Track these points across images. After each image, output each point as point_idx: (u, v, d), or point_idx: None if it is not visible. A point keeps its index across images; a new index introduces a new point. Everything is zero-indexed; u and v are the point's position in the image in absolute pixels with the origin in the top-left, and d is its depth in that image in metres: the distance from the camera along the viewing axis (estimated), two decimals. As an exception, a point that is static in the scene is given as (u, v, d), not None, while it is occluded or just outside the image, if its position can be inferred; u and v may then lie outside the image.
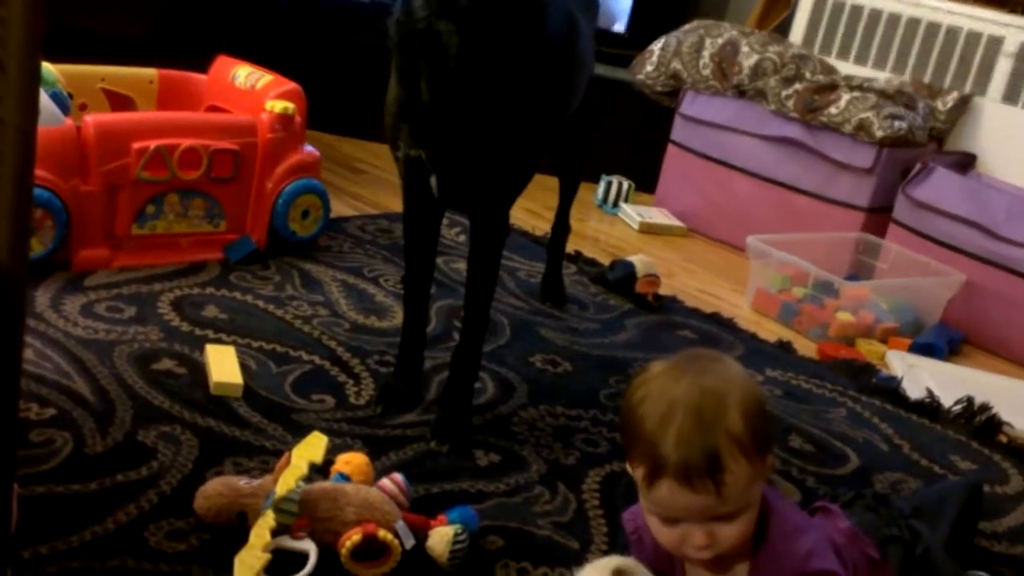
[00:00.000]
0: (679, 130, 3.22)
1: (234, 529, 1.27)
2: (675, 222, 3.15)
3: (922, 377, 2.22)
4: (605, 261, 2.58)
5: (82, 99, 2.30)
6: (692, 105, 3.16)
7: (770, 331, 2.41)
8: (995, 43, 2.87)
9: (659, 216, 3.16)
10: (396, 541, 1.27)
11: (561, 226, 2.33)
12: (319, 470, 1.34)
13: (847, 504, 1.38)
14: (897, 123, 2.73)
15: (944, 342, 2.45)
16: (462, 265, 2.42)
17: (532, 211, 2.95)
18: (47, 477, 1.34)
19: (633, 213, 3.14)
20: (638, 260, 2.45)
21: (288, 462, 1.30)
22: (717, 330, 2.32)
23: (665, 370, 1.06)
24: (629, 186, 3.26)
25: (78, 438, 1.44)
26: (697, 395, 1.01)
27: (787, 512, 1.09)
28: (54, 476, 1.34)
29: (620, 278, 2.43)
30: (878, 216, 2.81)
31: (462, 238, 2.62)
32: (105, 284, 1.97)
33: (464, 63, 1.39)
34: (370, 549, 1.26)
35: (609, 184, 3.25)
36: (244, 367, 1.71)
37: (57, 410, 1.50)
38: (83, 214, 1.98)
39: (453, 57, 1.38)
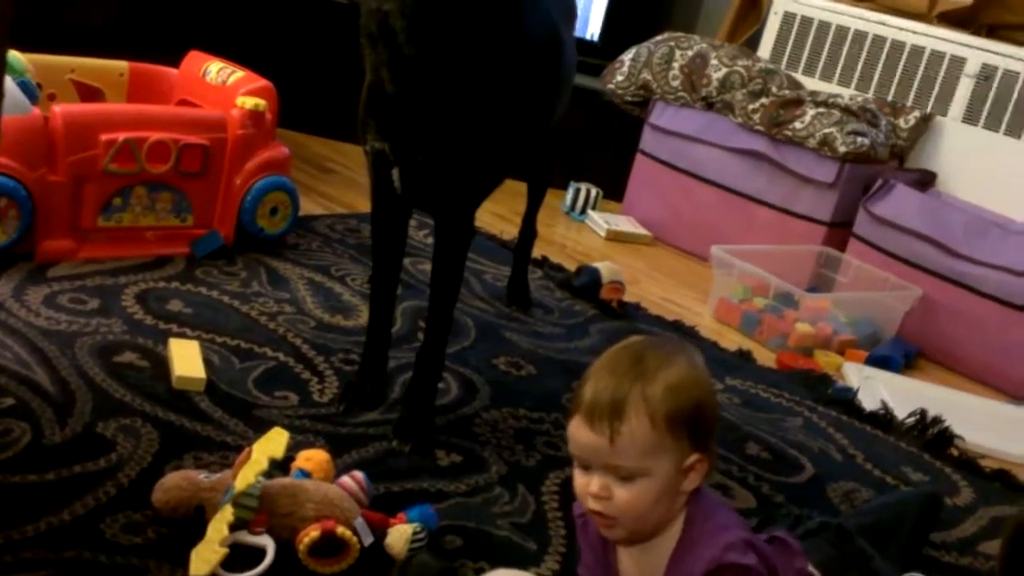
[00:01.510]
0: (647, 140, 3.26)
1: (192, 523, 1.27)
2: (641, 230, 3.18)
3: (877, 389, 2.26)
4: (571, 267, 2.60)
5: (51, 89, 2.28)
6: (661, 116, 3.20)
7: (731, 340, 2.44)
8: (957, 64, 2.93)
9: (626, 224, 3.19)
10: (355, 538, 1.28)
11: (528, 231, 2.35)
12: (279, 466, 1.35)
13: (810, 533, 1.39)
14: (860, 139, 2.78)
15: (900, 355, 2.50)
16: (429, 266, 2.43)
17: (500, 215, 2.96)
18: (3, 467, 1.33)
19: (600, 220, 3.17)
20: (604, 267, 2.48)
21: (248, 457, 1.30)
22: (679, 338, 2.35)
23: (626, 343, 1.12)
24: (597, 193, 3.29)
25: (36, 428, 1.43)
26: (633, 361, 1.07)
27: (719, 513, 1.11)
28: (11, 466, 1.33)
29: (585, 284, 2.45)
30: (839, 230, 2.86)
31: (430, 240, 2.63)
32: (69, 275, 1.96)
33: (417, 49, 1.40)
34: (328, 545, 1.27)
35: (577, 191, 3.28)
36: (207, 362, 1.70)
37: (16, 400, 1.49)
38: (48, 204, 1.97)
39: (403, 43, 1.39)
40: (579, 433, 1.06)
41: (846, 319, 2.58)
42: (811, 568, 1.23)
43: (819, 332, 2.48)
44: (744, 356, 2.34)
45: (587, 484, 1.07)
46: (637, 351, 1.08)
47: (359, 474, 1.39)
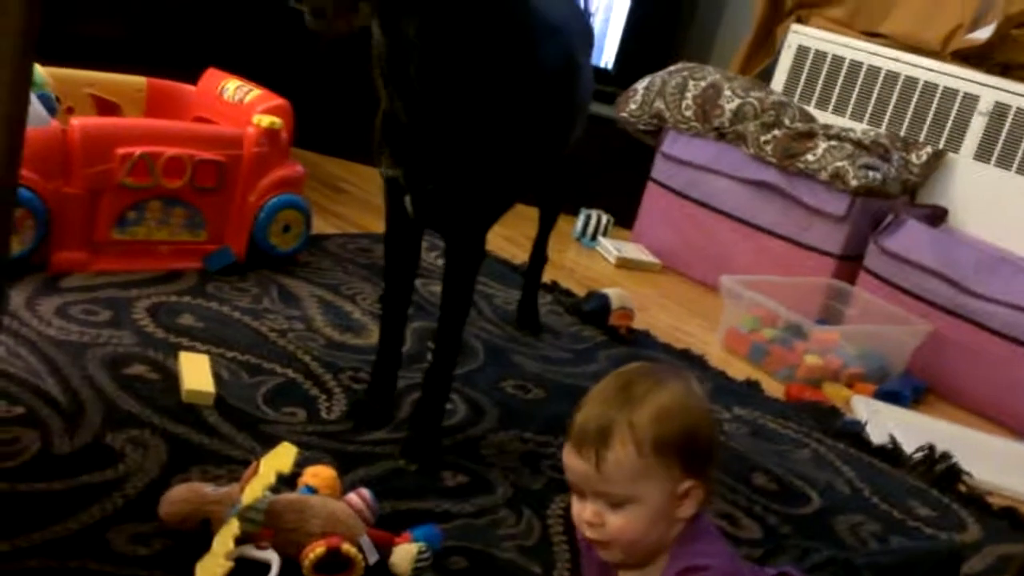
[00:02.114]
0: (659, 168, 3.27)
1: (198, 535, 1.27)
2: (651, 258, 3.18)
3: (885, 423, 2.25)
4: (581, 292, 2.60)
5: (69, 103, 2.30)
6: (673, 145, 3.21)
7: (739, 370, 2.43)
8: (970, 101, 2.94)
9: (636, 252, 3.20)
10: (360, 555, 1.28)
11: (539, 256, 2.36)
12: (286, 481, 1.35)
13: (818, 567, 1.38)
14: (871, 173, 2.79)
15: (909, 390, 2.49)
16: (439, 288, 2.43)
17: (511, 239, 2.97)
18: (12, 475, 1.33)
19: (611, 247, 3.17)
20: (613, 293, 2.48)
21: (256, 471, 1.30)
22: (687, 367, 2.35)
23: (619, 371, 1.13)
24: (608, 220, 3.30)
25: (45, 438, 1.44)
26: (621, 388, 1.07)
27: (702, 541, 1.10)
28: (19, 474, 1.34)
29: (595, 309, 2.46)
30: (849, 263, 2.86)
31: (441, 261, 2.64)
32: (81, 287, 1.97)
33: (428, 86, 1.42)
34: (333, 562, 1.26)
35: (588, 217, 3.29)
36: (217, 376, 1.71)
37: (25, 409, 1.50)
38: (64, 216, 1.99)
39: (413, 78, 1.41)
40: (570, 460, 1.08)
41: (855, 352, 2.57)
42: None
43: (828, 364, 2.48)
44: (752, 386, 2.33)
45: (581, 510, 1.08)
46: (627, 378, 1.09)
47: (366, 492, 1.39)
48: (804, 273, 2.88)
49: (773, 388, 2.37)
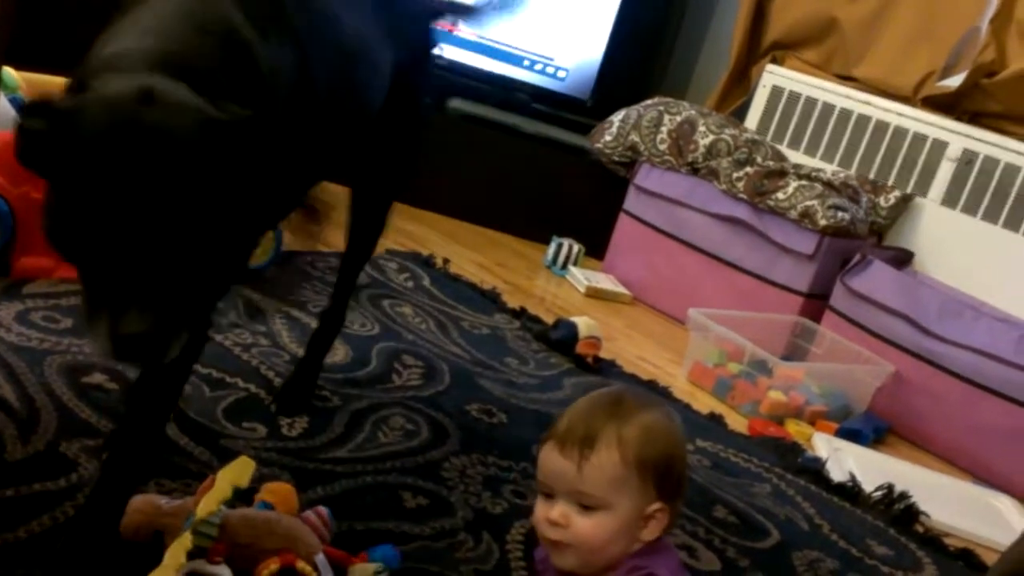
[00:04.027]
0: (632, 201, 3.30)
1: (150, 547, 1.24)
2: (621, 289, 3.20)
3: (846, 461, 2.26)
4: (549, 320, 2.60)
5: (42, 107, 2.28)
6: (647, 178, 3.24)
7: (704, 403, 2.44)
8: (939, 147, 3.00)
9: (606, 282, 3.21)
10: (315, 574, 1.26)
11: (334, 316, 1.83)
12: (242, 496, 1.33)
13: None
14: (840, 214, 2.82)
15: (870, 430, 2.51)
16: (407, 309, 2.43)
17: (482, 265, 2.97)
18: (-38, 480, 1.30)
19: (581, 276, 3.18)
20: (581, 322, 2.48)
21: (212, 484, 1.28)
22: (658, 398, 2.35)
23: (608, 388, 1.19)
24: (579, 250, 3.31)
25: (-2, 443, 1.41)
26: (613, 402, 1.13)
27: (655, 563, 1.11)
28: (-31, 479, 1.31)
29: (562, 338, 2.46)
30: (815, 302, 2.88)
31: (410, 283, 2.64)
32: (44, 293, 1.94)
33: None
34: (287, 580, 1.24)
35: (560, 246, 3.30)
36: (177, 388, 1.68)
37: (-20, 413, 1.47)
38: (30, 222, 1.96)
39: None
40: (549, 458, 1.11)
41: (818, 390, 2.59)
42: None
43: (791, 401, 2.49)
44: (716, 419, 2.34)
45: (547, 510, 1.10)
46: (618, 394, 1.14)
47: (323, 509, 1.37)
48: (771, 309, 2.90)
49: (736, 422, 2.38)
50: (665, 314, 3.13)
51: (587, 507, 1.08)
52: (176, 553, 1.19)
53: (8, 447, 1.41)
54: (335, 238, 2.82)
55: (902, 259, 2.98)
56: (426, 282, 2.69)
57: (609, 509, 1.08)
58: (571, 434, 1.09)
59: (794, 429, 2.43)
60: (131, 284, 0.96)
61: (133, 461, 1.24)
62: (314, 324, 2.15)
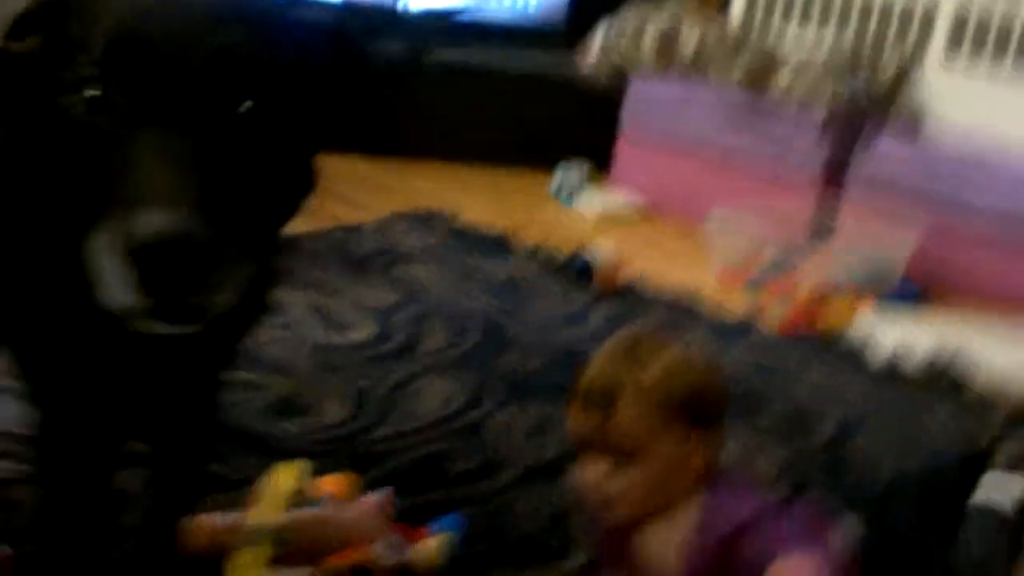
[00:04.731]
0: (629, 115, 3.23)
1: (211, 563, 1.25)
2: (630, 208, 3.13)
3: (889, 336, 2.23)
4: (564, 252, 2.57)
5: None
6: (640, 89, 3.17)
7: (735, 306, 2.41)
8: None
9: (615, 201, 3.15)
10: (383, 560, 1.26)
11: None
12: (300, 496, 1.32)
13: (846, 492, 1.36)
14: (842, 91, 2.75)
15: (911, 295, 2.48)
16: (420, 272, 2.41)
17: (487, 208, 2.93)
18: None
19: (590, 201, 3.13)
20: (598, 249, 2.45)
21: (263, 493, 1.28)
22: (680, 314, 2.33)
23: (621, 334, 1.16)
24: (587, 169, 3.23)
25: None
26: (627, 349, 1.11)
27: (740, 490, 1.10)
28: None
29: (582, 268, 2.43)
30: (831, 186, 2.83)
31: (420, 244, 2.61)
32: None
33: None
34: (360, 571, 1.25)
35: (565, 174, 3.23)
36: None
37: None
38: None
39: None
40: (576, 418, 1.10)
41: (849, 270, 2.55)
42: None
43: (825, 285, 2.45)
44: (749, 322, 2.31)
45: (586, 472, 1.10)
46: (631, 340, 1.12)
47: (383, 490, 1.37)
48: (786, 199, 2.85)
49: (772, 320, 2.34)
50: (680, 222, 3.08)
51: (621, 461, 1.07)
52: (253, 563, 1.20)
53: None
54: (339, 210, 2.79)
55: (912, 126, 2.91)
56: (435, 239, 2.65)
57: (643, 457, 1.07)
58: (591, 391, 1.08)
59: (834, 312, 2.38)
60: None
61: (178, 492, 1.23)
62: (333, 304, 2.13)
